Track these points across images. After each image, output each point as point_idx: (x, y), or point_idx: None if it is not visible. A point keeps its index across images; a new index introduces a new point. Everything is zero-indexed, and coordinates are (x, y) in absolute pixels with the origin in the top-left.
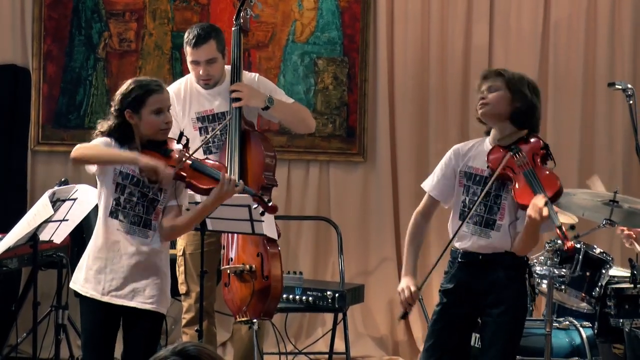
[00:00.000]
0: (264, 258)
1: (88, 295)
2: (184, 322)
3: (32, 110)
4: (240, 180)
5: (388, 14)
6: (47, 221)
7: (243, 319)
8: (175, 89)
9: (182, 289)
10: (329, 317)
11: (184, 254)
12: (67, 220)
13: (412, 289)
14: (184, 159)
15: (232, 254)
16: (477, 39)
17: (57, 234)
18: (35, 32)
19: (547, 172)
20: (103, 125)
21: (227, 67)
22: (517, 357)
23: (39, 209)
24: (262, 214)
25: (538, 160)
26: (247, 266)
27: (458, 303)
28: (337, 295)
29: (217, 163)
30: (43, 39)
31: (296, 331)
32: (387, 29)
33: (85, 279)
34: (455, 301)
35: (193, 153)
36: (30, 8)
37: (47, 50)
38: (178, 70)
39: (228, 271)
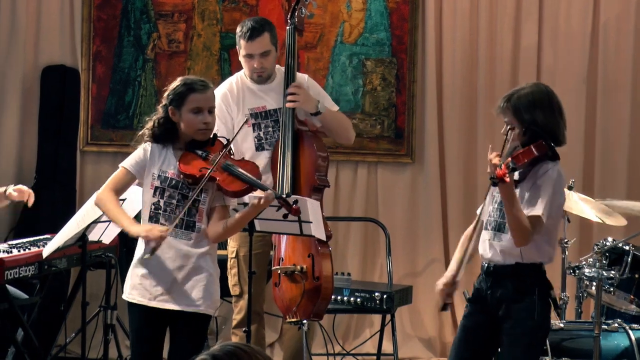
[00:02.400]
0: (314, 259)
1: (135, 301)
2: (234, 323)
3: (81, 110)
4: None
5: (436, 14)
6: (95, 222)
7: (293, 320)
8: (228, 86)
9: (234, 290)
10: (377, 318)
11: (236, 255)
12: None
13: (444, 280)
14: (216, 162)
15: (283, 254)
16: (525, 39)
17: (106, 234)
18: (84, 33)
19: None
20: (150, 121)
21: (279, 67)
22: (565, 359)
23: (88, 210)
24: (286, 216)
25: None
26: (298, 267)
27: (477, 313)
28: (385, 296)
29: (251, 165)
30: (92, 40)
31: (344, 332)
32: (436, 30)
33: (131, 286)
34: (475, 311)
35: (221, 156)
36: (79, 9)
37: (96, 50)
38: (227, 71)
39: (279, 271)
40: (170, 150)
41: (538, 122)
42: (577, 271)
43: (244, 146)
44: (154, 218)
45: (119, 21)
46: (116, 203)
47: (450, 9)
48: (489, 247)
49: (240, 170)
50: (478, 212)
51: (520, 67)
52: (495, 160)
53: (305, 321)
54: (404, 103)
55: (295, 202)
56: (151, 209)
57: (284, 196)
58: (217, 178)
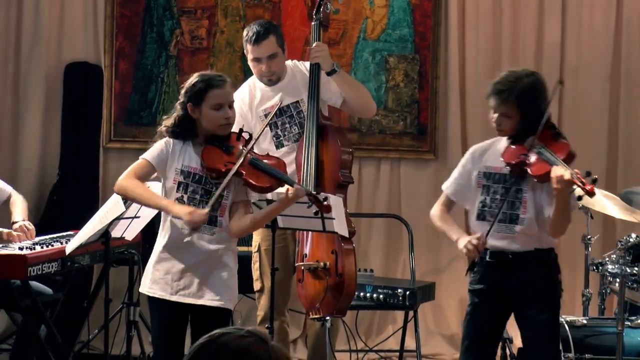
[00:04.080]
0: (338, 255)
1: (156, 296)
2: (258, 319)
3: (104, 107)
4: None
5: (459, 10)
6: (118, 218)
7: (316, 316)
8: (242, 94)
9: (256, 285)
10: (399, 314)
11: (259, 250)
12: (138, 217)
13: (476, 240)
14: (242, 157)
15: (307, 250)
16: (549, 34)
17: (129, 230)
18: (107, 30)
19: (556, 142)
20: (168, 119)
21: (288, 62)
22: (589, 355)
23: (111, 206)
24: (317, 213)
25: (547, 138)
26: (322, 263)
27: (489, 303)
28: (408, 293)
29: (277, 160)
30: (115, 37)
31: (367, 329)
32: (459, 26)
33: (152, 281)
34: (486, 301)
35: (248, 151)
36: (102, 6)
37: (119, 47)
38: (249, 67)
39: (302, 268)
40: (190, 146)
41: (539, 109)
42: (600, 268)
43: (263, 147)
44: None
45: (141, 18)
46: (145, 187)
47: (472, 5)
48: (500, 238)
49: (267, 164)
50: (449, 193)
51: (543, 64)
52: (568, 176)
53: (328, 318)
54: (427, 99)
55: (326, 198)
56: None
57: (314, 193)
58: (244, 173)
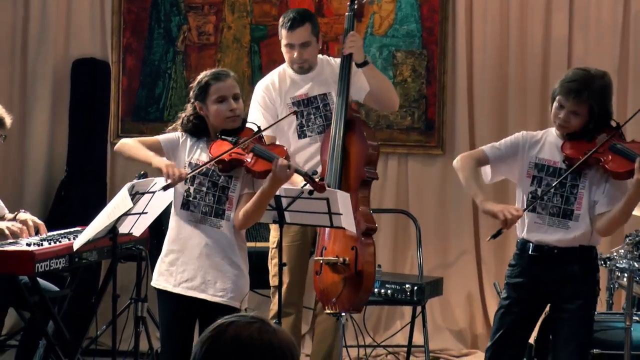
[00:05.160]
0: (358, 252)
1: (161, 287)
2: (270, 314)
3: (112, 103)
4: (291, 164)
5: (467, 5)
6: (126, 214)
7: (331, 311)
8: (270, 79)
9: (273, 281)
10: (407, 310)
11: (277, 245)
12: (146, 213)
13: (516, 211)
14: (240, 145)
15: (326, 244)
16: (556, 30)
17: (137, 226)
18: (114, 26)
19: (629, 142)
20: (178, 120)
21: (320, 56)
22: (597, 350)
23: (118, 202)
24: (311, 193)
25: (616, 137)
26: (341, 259)
27: (529, 298)
28: (415, 288)
29: (280, 148)
30: (122, 33)
31: (375, 324)
32: (466, 21)
33: (159, 272)
34: (525, 296)
35: (249, 139)
36: (109, 2)
37: (126, 43)
38: (257, 63)
39: (321, 261)
40: (204, 142)
41: (605, 113)
42: (608, 262)
43: (289, 134)
44: (185, 205)
45: (149, 14)
46: (140, 145)
47: (480, 0)
48: (549, 232)
49: (266, 149)
50: (488, 153)
51: (551, 58)
52: None
53: (343, 313)
54: (435, 94)
55: (322, 178)
56: (183, 196)
57: (310, 174)
58: (246, 161)
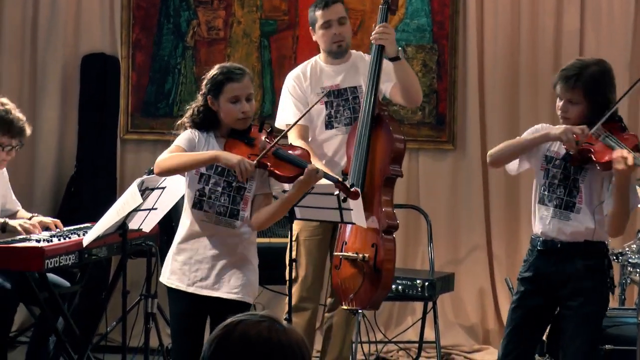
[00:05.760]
0: (378, 249)
1: (174, 286)
2: (286, 307)
3: (121, 99)
4: (320, 169)
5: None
6: (136, 210)
7: (348, 307)
8: (302, 68)
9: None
10: (418, 305)
11: (297, 239)
12: (156, 209)
13: (581, 129)
14: (267, 148)
15: (347, 239)
16: (567, 23)
17: (146, 222)
18: (123, 21)
19: (625, 134)
20: (189, 109)
21: (354, 52)
22: (609, 346)
23: (128, 198)
24: (344, 200)
25: (615, 129)
26: (360, 255)
27: (536, 292)
28: (427, 284)
29: (302, 150)
30: (132, 28)
31: (386, 320)
32: (477, 15)
33: (171, 271)
34: (533, 290)
35: (275, 142)
36: None
37: (135, 39)
38: (266, 57)
39: (340, 256)
40: (213, 138)
41: (605, 98)
42: (620, 258)
43: (317, 123)
44: (197, 205)
45: (158, 9)
46: (181, 152)
47: None
48: (553, 225)
49: (290, 154)
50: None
51: (562, 52)
52: (631, 160)
53: (360, 310)
54: (445, 89)
55: (353, 184)
56: (196, 195)
57: (340, 179)
58: (268, 164)
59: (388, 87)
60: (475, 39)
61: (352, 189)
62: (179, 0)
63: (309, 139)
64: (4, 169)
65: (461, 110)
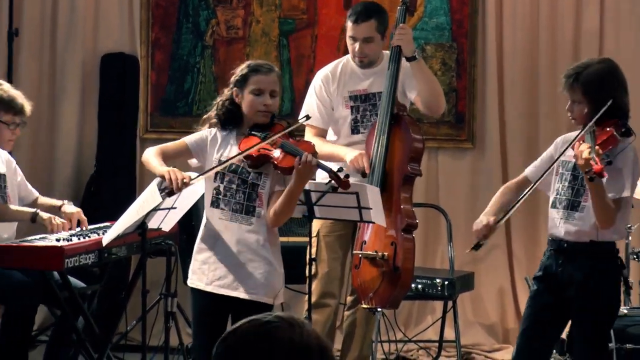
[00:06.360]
0: (397, 247)
1: (194, 286)
2: (306, 304)
3: (141, 98)
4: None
5: None
6: (155, 209)
7: (367, 306)
8: (331, 68)
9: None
10: (438, 305)
11: (317, 235)
12: (175, 208)
13: (486, 220)
14: (268, 140)
15: (366, 238)
16: (587, 23)
17: (166, 222)
18: (142, 20)
19: (604, 129)
20: (215, 104)
21: (386, 53)
22: (629, 345)
23: (147, 197)
24: (336, 189)
25: (608, 128)
26: (380, 254)
27: (546, 291)
28: (446, 283)
29: (307, 143)
30: (151, 27)
31: (406, 319)
32: (496, 14)
33: (192, 271)
34: (543, 289)
35: (278, 135)
36: None
37: (154, 38)
38: (285, 57)
39: (360, 255)
40: (234, 136)
41: (606, 98)
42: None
43: (342, 129)
44: (215, 203)
45: (177, 8)
46: (156, 156)
47: None
48: (560, 225)
49: (295, 146)
50: (528, 174)
51: (581, 51)
52: (587, 154)
53: (380, 309)
54: (465, 88)
55: (347, 175)
56: (213, 193)
57: (336, 170)
58: (272, 157)
59: (413, 95)
60: (495, 37)
61: (343, 179)
62: (198, 0)
63: (336, 142)
64: (12, 160)
65: (480, 108)
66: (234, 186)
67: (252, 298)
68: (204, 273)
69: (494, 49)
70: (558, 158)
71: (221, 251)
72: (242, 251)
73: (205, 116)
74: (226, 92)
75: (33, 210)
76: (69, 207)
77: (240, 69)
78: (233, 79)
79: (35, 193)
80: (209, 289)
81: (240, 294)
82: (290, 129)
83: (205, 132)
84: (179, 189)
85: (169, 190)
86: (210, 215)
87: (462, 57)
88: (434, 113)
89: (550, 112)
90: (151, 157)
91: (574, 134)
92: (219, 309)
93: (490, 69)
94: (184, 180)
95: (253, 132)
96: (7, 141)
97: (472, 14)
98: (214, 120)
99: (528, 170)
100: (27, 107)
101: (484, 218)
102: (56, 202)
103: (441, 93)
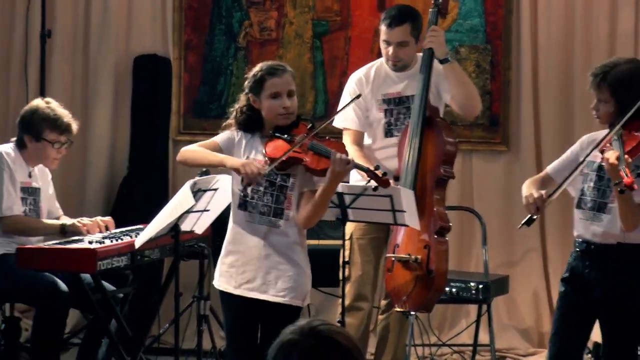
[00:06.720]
0: (431, 250)
1: (222, 289)
2: (339, 307)
3: (173, 100)
4: (350, 157)
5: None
6: (188, 212)
7: (401, 309)
8: (365, 71)
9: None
10: (473, 308)
11: (350, 237)
12: (208, 210)
13: (537, 193)
14: (299, 143)
15: (399, 241)
16: (622, 24)
17: (199, 224)
18: (175, 22)
19: (632, 134)
20: (233, 111)
21: (420, 55)
22: None
23: (180, 200)
24: (376, 189)
25: (636, 133)
26: (413, 257)
27: (573, 292)
28: (481, 286)
29: (337, 143)
30: (183, 29)
31: (440, 323)
32: (531, 15)
33: (220, 274)
34: (570, 291)
35: (308, 136)
36: None
37: (187, 39)
38: (319, 58)
39: (393, 258)
40: (257, 138)
41: (636, 101)
42: None
43: (377, 132)
44: (242, 205)
45: (210, 9)
46: (202, 149)
47: None
48: (587, 227)
49: (326, 147)
50: (550, 172)
51: (616, 53)
52: (615, 161)
53: (413, 312)
54: (499, 90)
55: (385, 173)
56: (240, 196)
57: (371, 168)
58: (304, 159)
59: (448, 97)
60: (529, 39)
61: (382, 177)
62: (231, 1)
63: (371, 146)
64: (48, 174)
65: (515, 111)
66: (261, 188)
67: (282, 301)
68: (232, 276)
69: (528, 51)
70: (584, 160)
71: (249, 254)
72: (270, 254)
73: (224, 123)
74: (242, 98)
75: (60, 222)
76: (86, 219)
77: (253, 74)
78: (247, 84)
79: (60, 211)
80: (237, 292)
81: (270, 297)
82: (312, 132)
83: (233, 133)
84: (256, 181)
85: (246, 182)
86: (238, 218)
87: (496, 59)
88: (469, 115)
89: (585, 114)
90: (201, 151)
91: (599, 133)
92: (250, 312)
93: (524, 70)
94: (260, 172)
95: (277, 135)
96: (52, 160)
97: (507, 16)
98: (235, 127)
99: (550, 168)
100: (74, 126)
101: (534, 191)
102: (70, 220)
103: (476, 95)
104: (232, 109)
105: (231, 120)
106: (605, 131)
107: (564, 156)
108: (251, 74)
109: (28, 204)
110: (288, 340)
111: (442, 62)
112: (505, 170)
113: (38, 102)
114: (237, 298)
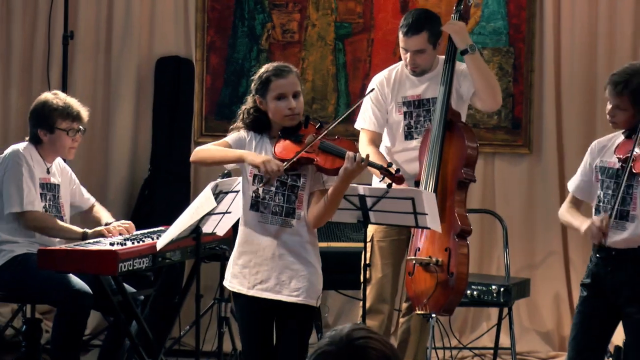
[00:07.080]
0: (452, 253)
1: (235, 290)
2: (360, 310)
3: (195, 101)
4: (365, 155)
5: (554, 2)
6: (209, 214)
7: (422, 312)
8: (386, 74)
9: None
10: (494, 311)
11: (372, 240)
12: (229, 212)
13: (598, 220)
14: (310, 143)
15: (420, 244)
16: None
17: (220, 226)
18: (198, 24)
19: None
20: (240, 113)
21: (441, 57)
22: None
23: (202, 202)
24: (389, 186)
25: None
26: (434, 259)
27: (594, 297)
28: (502, 289)
29: (348, 141)
30: (206, 30)
31: (461, 326)
32: (554, 18)
33: (232, 275)
34: (591, 295)
35: (319, 137)
36: None
37: (210, 41)
38: (341, 61)
39: (413, 261)
40: (266, 139)
41: None
42: None
43: (396, 134)
44: (254, 206)
45: (232, 11)
46: (217, 147)
47: None
48: (610, 234)
49: (338, 146)
50: (572, 191)
51: None
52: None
53: (434, 315)
54: (522, 93)
55: (398, 170)
56: (252, 197)
57: (384, 166)
58: (315, 159)
59: (469, 95)
60: (552, 42)
61: (396, 174)
62: (253, 3)
63: (391, 149)
64: (68, 169)
65: (537, 114)
66: (272, 189)
67: (296, 301)
68: (245, 277)
69: (551, 54)
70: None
71: (262, 254)
72: (283, 254)
73: (232, 126)
74: (249, 99)
75: (82, 230)
76: (116, 224)
77: (259, 75)
78: (253, 86)
79: (91, 200)
80: (251, 293)
81: (284, 297)
82: (324, 133)
83: (243, 133)
84: (275, 178)
85: (266, 180)
86: (249, 219)
87: (519, 62)
88: (490, 108)
89: None
90: (217, 149)
91: (607, 137)
92: (264, 312)
93: (547, 73)
94: (280, 169)
95: (285, 135)
96: (69, 149)
97: (530, 19)
98: (243, 128)
99: (573, 188)
100: (84, 113)
101: (596, 219)
102: (107, 218)
103: (497, 87)
104: (239, 111)
105: (239, 122)
106: (612, 135)
107: (580, 170)
108: (257, 75)
109: (47, 199)
110: (323, 351)
111: (462, 52)
112: (527, 173)
113: (46, 95)
114: (251, 299)
